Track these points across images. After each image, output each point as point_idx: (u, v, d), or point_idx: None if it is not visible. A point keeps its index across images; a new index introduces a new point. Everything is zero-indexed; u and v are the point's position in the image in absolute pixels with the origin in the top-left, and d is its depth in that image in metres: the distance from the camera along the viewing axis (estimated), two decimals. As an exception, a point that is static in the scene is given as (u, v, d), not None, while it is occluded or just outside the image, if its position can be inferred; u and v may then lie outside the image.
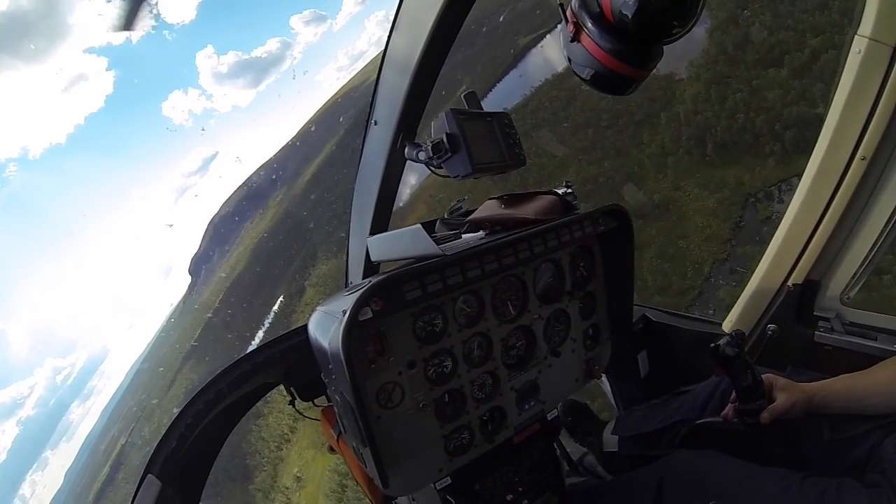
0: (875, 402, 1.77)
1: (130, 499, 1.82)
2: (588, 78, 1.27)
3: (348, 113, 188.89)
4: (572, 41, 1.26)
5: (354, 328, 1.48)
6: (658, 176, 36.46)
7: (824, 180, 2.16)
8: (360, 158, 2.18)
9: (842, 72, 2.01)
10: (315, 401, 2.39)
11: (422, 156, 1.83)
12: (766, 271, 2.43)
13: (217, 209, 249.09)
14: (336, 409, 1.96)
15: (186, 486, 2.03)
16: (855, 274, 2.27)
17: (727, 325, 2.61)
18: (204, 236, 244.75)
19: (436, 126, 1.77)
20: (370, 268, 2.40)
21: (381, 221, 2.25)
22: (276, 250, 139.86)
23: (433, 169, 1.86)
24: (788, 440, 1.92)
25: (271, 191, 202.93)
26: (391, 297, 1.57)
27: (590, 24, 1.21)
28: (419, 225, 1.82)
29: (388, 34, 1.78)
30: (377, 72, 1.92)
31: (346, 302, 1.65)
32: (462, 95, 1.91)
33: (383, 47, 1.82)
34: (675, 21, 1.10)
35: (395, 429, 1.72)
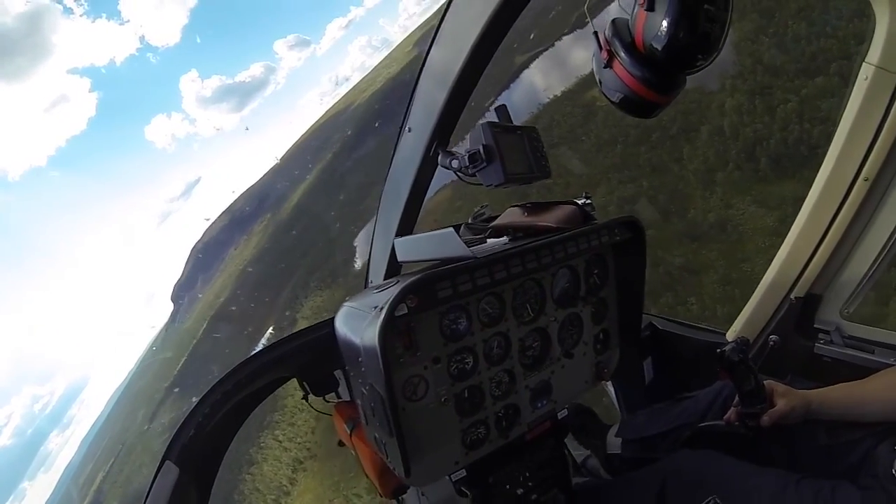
0: (870, 410, 1.86)
1: (149, 484, 1.88)
2: (617, 101, 1.41)
3: (334, 138, 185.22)
4: (605, 67, 1.40)
5: (391, 323, 1.57)
6: (705, 194, 34.33)
7: (828, 199, 2.26)
8: (391, 163, 2.27)
9: (849, 97, 2.12)
10: (325, 397, 2.46)
11: (455, 164, 1.94)
12: (769, 284, 2.53)
13: (200, 235, 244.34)
14: (359, 402, 2.04)
15: (202, 473, 2.12)
16: (855, 289, 2.37)
17: (731, 335, 2.69)
18: (187, 262, 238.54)
19: (472, 137, 1.87)
20: (393, 268, 2.49)
21: (408, 224, 2.34)
22: (262, 278, 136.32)
23: (463, 177, 1.97)
24: (787, 444, 2.01)
25: (256, 217, 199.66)
26: (425, 295, 1.68)
27: (622, 53, 1.35)
28: (451, 229, 1.93)
29: (427, 47, 1.88)
30: (414, 82, 2.02)
31: (377, 299, 1.75)
32: (493, 108, 2.02)
33: (421, 61, 1.95)
34: (699, 55, 1.26)
35: (417, 421, 1.80)
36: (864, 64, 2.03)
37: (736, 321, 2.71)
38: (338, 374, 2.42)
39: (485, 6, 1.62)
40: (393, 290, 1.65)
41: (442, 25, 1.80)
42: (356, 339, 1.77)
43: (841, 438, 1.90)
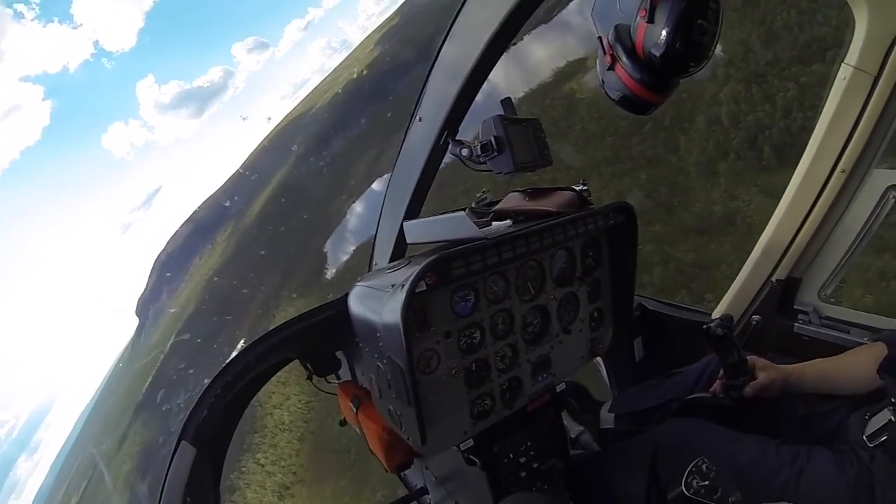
0: (843, 383, 2.04)
1: (167, 464, 1.95)
2: (617, 99, 1.59)
3: (296, 141, 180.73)
4: (608, 69, 1.58)
5: (413, 298, 1.70)
6: (707, 185, 34.20)
7: (808, 189, 2.43)
8: (400, 150, 2.37)
9: (828, 95, 2.28)
10: (326, 378, 2.55)
11: (465, 152, 2.07)
12: (752, 268, 2.69)
13: (163, 245, 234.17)
14: (372, 378, 2.15)
15: (215, 451, 2.20)
16: (832, 273, 2.54)
17: (716, 315, 2.84)
18: (151, 274, 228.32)
19: (484, 129, 2.00)
20: (399, 250, 2.59)
21: (416, 208, 2.44)
22: (230, 289, 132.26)
23: (471, 164, 2.09)
24: (767, 414, 2.16)
25: (219, 225, 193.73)
26: (442, 273, 1.81)
27: (623, 58, 1.53)
28: (463, 212, 2.06)
29: (441, 43, 1.99)
30: (426, 74, 2.12)
31: (393, 277, 1.88)
32: (499, 101, 2.13)
33: (434, 54, 2.05)
34: (692, 62, 1.45)
35: (430, 392, 1.93)
36: (843, 65, 2.20)
37: (721, 302, 2.88)
38: (339, 354, 2.53)
39: (498, 8, 1.73)
40: (412, 269, 1.78)
41: (455, 23, 1.91)
42: (374, 316, 1.90)
43: (817, 409, 2.07)
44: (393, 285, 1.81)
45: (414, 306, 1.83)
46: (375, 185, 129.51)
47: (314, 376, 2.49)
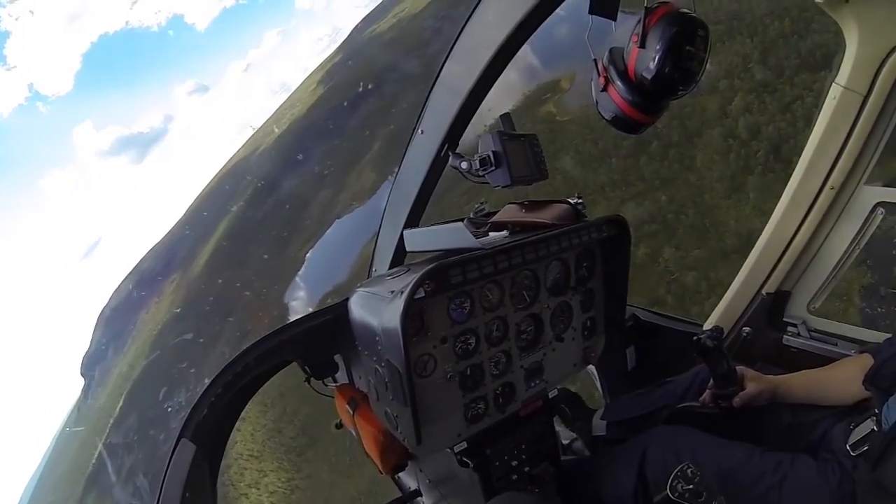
0: (830, 394, 2.10)
1: (167, 461, 1.96)
2: (610, 119, 1.68)
3: (242, 185, 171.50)
4: (602, 90, 1.67)
5: (412, 304, 1.77)
6: (736, 202, 32.99)
7: (798, 204, 2.50)
8: (402, 162, 2.44)
9: (819, 113, 2.35)
10: (324, 381, 2.58)
11: (464, 165, 2.15)
12: (743, 280, 2.75)
13: (106, 300, 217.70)
14: (370, 381, 2.20)
15: (213, 448, 2.24)
16: (820, 287, 2.60)
17: (707, 327, 2.84)
18: (95, 330, 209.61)
19: (483, 144, 2.09)
20: (398, 258, 2.65)
21: (416, 218, 2.51)
22: (183, 344, 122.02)
23: (470, 177, 2.17)
24: (755, 423, 2.21)
25: (165, 275, 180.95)
26: (440, 280, 1.88)
27: (616, 80, 1.62)
28: (461, 223, 2.14)
29: (443, 60, 2.07)
30: (428, 90, 2.18)
31: (393, 284, 1.96)
32: (499, 117, 2.21)
33: (436, 73, 2.12)
34: (681, 86, 1.55)
35: (426, 395, 1.99)
36: (833, 84, 2.27)
37: (712, 314, 2.94)
38: (337, 358, 2.57)
39: (499, 28, 1.81)
40: (411, 276, 1.85)
41: (458, 42, 1.99)
42: (374, 321, 1.97)
43: (803, 418, 2.12)
44: (392, 291, 1.88)
45: (412, 312, 1.89)
46: (335, 227, 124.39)
47: (312, 379, 2.52)
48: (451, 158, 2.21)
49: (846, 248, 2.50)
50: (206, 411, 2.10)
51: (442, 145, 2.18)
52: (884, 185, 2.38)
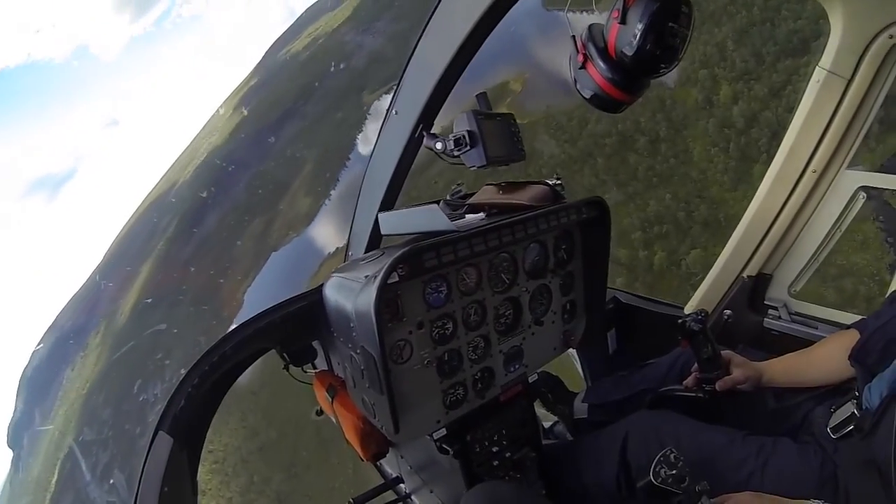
0: (811, 376, 2.09)
1: (144, 455, 1.93)
2: (588, 97, 1.62)
3: (163, 221, 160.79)
4: (580, 68, 1.61)
5: (385, 289, 1.73)
6: (746, 193, 31.96)
7: (780, 188, 2.49)
8: (376, 143, 2.37)
9: (802, 96, 2.34)
10: (304, 368, 2.56)
11: (438, 145, 2.08)
12: (724, 264, 2.75)
13: (27, 360, 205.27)
14: (346, 368, 2.18)
15: (192, 440, 2.19)
16: (801, 270, 2.61)
17: (688, 310, 2.90)
18: (17, 395, 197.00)
19: (457, 123, 2.03)
20: (374, 242, 2.60)
21: (391, 200, 2.45)
22: (116, 399, 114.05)
23: (445, 157, 2.10)
24: (737, 407, 2.21)
25: (88, 327, 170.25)
26: (414, 264, 1.84)
27: (596, 57, 1.56)
28: (436, 204, 2.10)
29: (417, 39, 1.99)
30: (402, 69, 2.11)
31: (367, 269, 1.91)
32: (475, 96, 2.16)
33: (410, 51, 2.04)
34: (663, 63, 1.48)
35: (403, 382, 1.96)
36: (817, 68, 2.26)
37: (693, 297, 2.94)
38: (316, 344, 2.55)
39: (475, 4, 1.74)
40: (384, 260, 1.81)
41: (432, 19, 1.92)
42: (348, 306, 1.92)
43: (785, 402, 2.13)
44: (366, 276, 1.84)
45: (386, 297, 1.86)
46: (272, 261, 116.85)
47: (290, 366, 2.49)
48: (425, 139, 2.15)
49: (827, 231, 2.51)
50: (184, 403, 2.05)
51: (416, 125, 2.12)
52: (865, 170, 2.38)
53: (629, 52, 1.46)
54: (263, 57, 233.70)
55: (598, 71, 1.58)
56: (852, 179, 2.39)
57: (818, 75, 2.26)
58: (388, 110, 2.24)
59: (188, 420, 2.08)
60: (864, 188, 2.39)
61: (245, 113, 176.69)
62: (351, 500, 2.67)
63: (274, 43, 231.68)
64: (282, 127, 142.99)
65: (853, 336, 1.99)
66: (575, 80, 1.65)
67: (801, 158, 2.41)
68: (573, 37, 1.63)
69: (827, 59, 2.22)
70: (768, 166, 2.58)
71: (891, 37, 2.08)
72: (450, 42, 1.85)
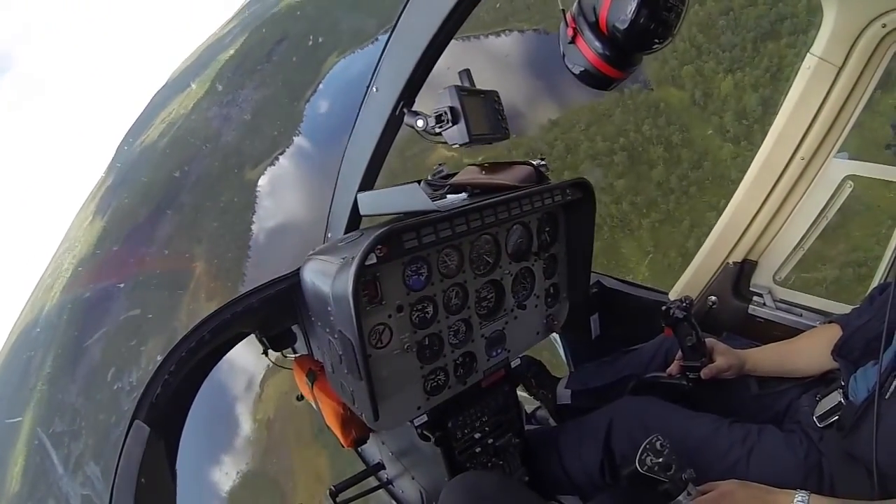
0: (796, 366, 2.10)
1: (120, 445, 1.88)
2: (578, 73, 1.56)
3: (35, 359, 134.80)
4: (570, 42, 1.54)
5: (363, 270, 1.67)
6: None
7: (767, 174, 2.47)
8: (356, 121, 2.31)
9: (792, 83, 2.32)
10: (283, 352, 2.52)
11: (420, 123, 2.01)
12: (709, 250, 2.73)
13: None
14: (324, 352, 2.14)
15: (170, 429, 2.15)
16: (787, 257, 2.60)
17: (673, 295, 2.90)
18: None
19: (439, 99, 1.96)
20: (353, 223, 2.55)
21: (370, 179, 2.40)
22: (85, 390, 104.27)
23: (426, 135, 2.04)
24: (722, 395, 2.21)
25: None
26: (393, 245, 1.77)
27: (586, 31, 1.49)
28: (416, 184, 2.03)
29: (399, 13, 1.91)
30: (383, 45, 2.05)
31: (345, 250, 1.85)
32: (458, 72, 2.10)
33: (391, 27, 1.96)
34: (656, 39, 1.42)
35: (383, 367, 1.91)
36: (808, 54, 2.24)
37: (678, 282, 2.92)
38: (295, 328, 2.49)
39: None
40: (362, 241, 1.74)
41: None
42: (325, 289, 1.86)
43: (770, 389, 2.14)
44: (344, 258, 1.78)
45: (364, 279, 1.81)
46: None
47: (270, 350, 2.44)
48: (406, 116, 2.07)
49: (813, 219, 2.50)
50: (160, 390, 2.00)
51: (397, 102, 2.05)
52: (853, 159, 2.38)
53: (622, 26, 1.40)
54: (115, 154, 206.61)
55: (588, 46, 1.51)
56: (840, 168, 2.38)
57: (809, 62, 2.24)
58: (367, 87, 2.17)
59: (165, 407, 2.02)
60: (851, 177, 2.38)
61: (106, 218, 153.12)
62: (332, 488, 2.65)
63: (124, 138, 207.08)
64: (155, 226, 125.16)
65: (836, 330, 2.00)
66: (563, 56, 1.58)
67: (790, 145, 2.39)
68: (563, 10, 1.56)
69: (818, 46, 2.20)
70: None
71: (883, 25, 2.06)
72: (433, 17, 1.78)
